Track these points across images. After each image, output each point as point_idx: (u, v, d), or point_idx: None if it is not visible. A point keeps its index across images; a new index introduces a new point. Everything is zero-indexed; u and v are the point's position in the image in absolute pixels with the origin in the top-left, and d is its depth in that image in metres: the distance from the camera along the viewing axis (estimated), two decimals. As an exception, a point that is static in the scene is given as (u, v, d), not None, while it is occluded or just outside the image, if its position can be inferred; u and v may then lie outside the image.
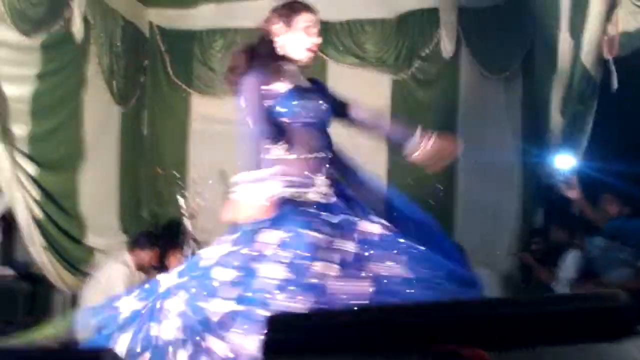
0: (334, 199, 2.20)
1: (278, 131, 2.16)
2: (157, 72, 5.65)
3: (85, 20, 4.54)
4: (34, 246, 4.14)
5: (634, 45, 3.55)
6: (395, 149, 5.35)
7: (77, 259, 4.51)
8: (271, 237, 2.02)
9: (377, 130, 2.50)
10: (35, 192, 4.10)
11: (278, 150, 2.16)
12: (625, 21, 3.62)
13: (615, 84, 3.66)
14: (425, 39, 5.35)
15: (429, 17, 5.33)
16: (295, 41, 2.28)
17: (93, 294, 4.04)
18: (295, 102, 2.20)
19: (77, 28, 4.44)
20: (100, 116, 4.75)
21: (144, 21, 5.53)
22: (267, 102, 2.16)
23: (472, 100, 5.35)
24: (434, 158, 2.36)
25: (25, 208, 4.00)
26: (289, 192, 2.10)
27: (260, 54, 2.27)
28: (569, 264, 3.97)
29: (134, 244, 4.37)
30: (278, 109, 2.17)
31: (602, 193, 3.89)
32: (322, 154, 2.23)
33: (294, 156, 2.16)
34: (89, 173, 4.67)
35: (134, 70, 5.18)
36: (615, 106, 3.93)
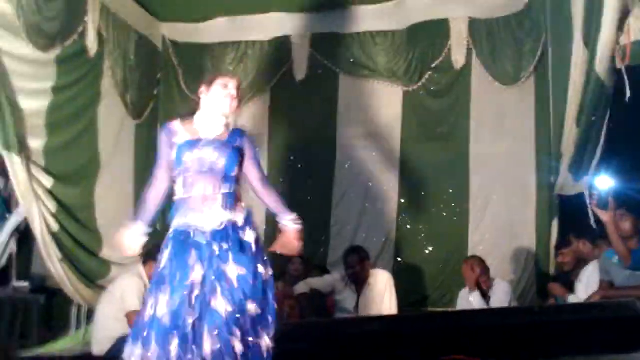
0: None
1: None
2: (170, 84, 5.69)
3: (100, 35, 4.58)
4: (50, 259, 4.12)
5: (645, 53, 3.53)
6: (406, 169, 5.41)
7: (93, 272, 4.50)
8: None
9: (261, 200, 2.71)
10: (51, 205, 4.09)
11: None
12: (636, 30, 3.60)
13: (628, 92, 3.64)
14: (435, 50, 5.36)
15: (440, 28, 5.34)
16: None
17: (108, 306, 4.01)
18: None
19: (92, 42, 4.48)
20: (115, 128, 4.77)
21: (157, 35, 5.57)
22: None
23: (484, 111, 5.33)
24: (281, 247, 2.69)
25: (41, 221, 3.98)
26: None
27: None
28: (589, 274, 3.88)
29: (147, 257, 4.33)
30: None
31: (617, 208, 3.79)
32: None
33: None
34: (104, 185, 4.68)
35: (147, 83, 5.20)
36: (629, 114, 3.90)
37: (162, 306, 2.30)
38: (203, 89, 2.57)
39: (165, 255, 2.41)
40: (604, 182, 3.93)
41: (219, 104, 2.52)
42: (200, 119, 2.54)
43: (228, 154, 2.50)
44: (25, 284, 4.43)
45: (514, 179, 5.21)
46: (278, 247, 2.69)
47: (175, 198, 2.50)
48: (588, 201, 4.10)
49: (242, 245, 2.44)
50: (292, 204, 5.56)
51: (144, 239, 2.53)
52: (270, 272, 2.48)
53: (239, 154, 2.55)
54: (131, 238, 2.49)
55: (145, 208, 2.53)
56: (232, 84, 2.56)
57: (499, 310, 3.70)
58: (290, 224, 2.66)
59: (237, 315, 2.30)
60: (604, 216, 3.62)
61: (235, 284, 2.36)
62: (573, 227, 4.42)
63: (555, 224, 4.90)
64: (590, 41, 3.67)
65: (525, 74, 5.11)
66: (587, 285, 3.89)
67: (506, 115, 5.28)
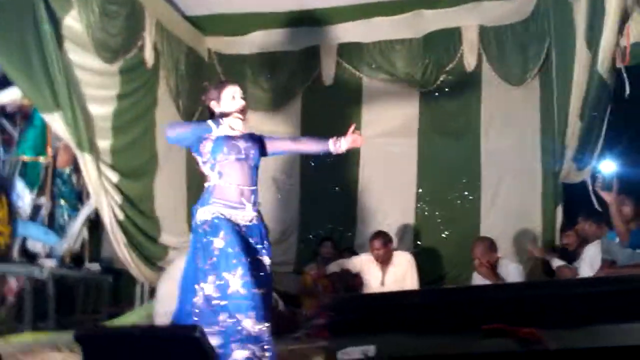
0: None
1: None
2: (215, 91, 5.77)
3: (155, 48, 4.63)
4: (117, 244, 4.18)
5: (643, 54, 3.51)
6: (423, 162, 5.42)
7: (154, 255, 4.55)
8: None
9: (304, 149, 2.92)
10: (118, 197, 4.15)
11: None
12: (635, 33, 3.58)
13: (628, 89, 3.62)
14: (449, 55, 5.35)
15: (453, 35, 5.33)
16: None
17: (167, 285, 4.09)
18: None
19: (149, 55, 4.53)
20: None
21: (204, 48, 5.62)
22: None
23: (494, 109, 5.32)
24: (350, 146, 2.81)
25: (109, 211, 4.05)
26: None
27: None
28: (593, 254, 3.86)
29: None
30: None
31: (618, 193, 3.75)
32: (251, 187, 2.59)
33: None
34: (161, 180, 4.72)
35: (195, 90, 5.23)
36: (628, 109, 3.88)
37: (236, 281, 2.37)
38: (214, 103, 2.63)
39: (220, 237, 2.44)
40: (607, 166, 3.91)
41: (233, 110, 2.60)
42: (224, 122, 2.58)
43: (257, 146, 2.64)
44: (96, 266, 4.54)
45: (521, 169, 5.19)
46: (352, 144, 2.78)
47: (209, 184, 2.56)
48: (591, 185, 4.08)
49: (264, 240, 2.58)
50: (322, 195, 5.73)
51: None
52: None
53: (262, 145, 2.69)
54: None
55: None
56: (238, 94, 2.63)
57: (531, 283, 3.63)
58: (337, 139, 2.77)
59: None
60: (608, 197, 3.59)
61: (268, 270, 2.54)
62: (577, 212, 4.38)
63: (559, 210, 4.87)
64: (592, 44, 3.65)
65: (531, 75, 5.08)
66: (590, 265, 3.87)
67: (514, 113, 5.26)
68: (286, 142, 2.89)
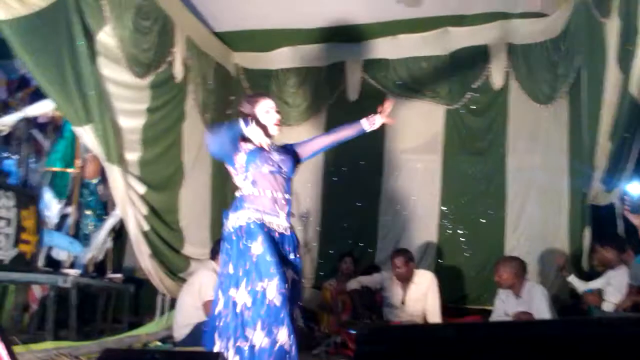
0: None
1: None
2: (241, 105, 5.80)
3: (185, 63, 4.67)
4: (141, 254, 4.19)
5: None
6: (447, 179, 5.32)
7: (176, 266, 4.54)
8: None
9: (339, 138, 2.81)
10: (143, 208, 4.16)
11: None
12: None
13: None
14: (476, 73, 5.28)
15: (480, 53, 5.25)
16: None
17: (188, 297, 4.08)
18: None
19: (178, 70, 4.57)
20: (196, 143, 4.81)
21: (231, 63, 5.66)
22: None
23: (520, 127, 5.20)
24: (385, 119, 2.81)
25: (134, 222, 4.06)
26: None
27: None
28: (620, 279, 3.72)
29: (215, 252, 4.38)
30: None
31: None
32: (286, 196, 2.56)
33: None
34: (187, 192, 4.73)
35: (222, 104, 5.29)
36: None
37: (271, 290, 2.32)
38: (248, 111, 2.60)
39: (258, 242, 2.38)
40: (637, 189, 3.79)
41: (268, 124, 2.59)
42: (258, 134, 2.56)
43: (290, 158, 2.63)
44: (118, 276, 4.57)
45: (547, 189, 5.05)
46: (387, 120, 2.79)
47: (242, 193, 2.52)
48: (620, 207, 3.95)
49: (296, 251, 2.55)
50: (343, 210, 5.66)
51: None
52: None
53: (295, 155, 2.67)
54: None
55: None
56: (273, 108, 2.62)
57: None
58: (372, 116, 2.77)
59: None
60: (636, 220, 3.49)
61: (298, 283, 2.51)
62: (605, 234, 4.25)
63: (588, 231, 4.71)
64: (624, 64, 3.55)
65: (560, 94, 4.95)
66: (618, 290, 3.75)
67: (541, 131, 5.13)
68: (319, 140, 2.83)
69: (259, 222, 2.43)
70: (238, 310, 2.32)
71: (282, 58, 5.66)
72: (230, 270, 2.39)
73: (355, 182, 5.59)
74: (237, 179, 2.58)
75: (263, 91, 5.60)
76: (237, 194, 2.56)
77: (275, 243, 2.44)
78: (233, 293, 2.35)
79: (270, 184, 2.50)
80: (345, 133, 2.77)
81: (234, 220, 2.47)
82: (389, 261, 4.73)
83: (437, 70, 5.38)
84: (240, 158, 2.53)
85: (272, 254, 2.38)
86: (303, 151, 2.75)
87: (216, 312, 2.39)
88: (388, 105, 2.80)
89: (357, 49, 5.56)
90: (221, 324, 2.34)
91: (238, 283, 2.35)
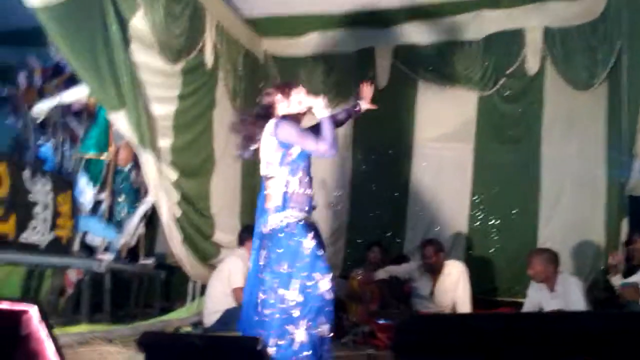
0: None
1: None
2: (270, 92, 5.76)
3: (215, 50, 4.63)
4: (173, 241, 4.19)
5: None
6: (479, 168, 5.20)
7: (206, 253, 4.55)
8: None
9: (339, 121, 2.92)
10: (176, 195, 4.17)
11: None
12: None
13: None
14: (510, 58, 5.10)
15: (515, 37, 5.07)
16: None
17: (218, 283, 4.09)
18: None
19: (209, 56, 4.54)
20: (226, 130, 4.68)
21: (260, 50, 5.60)
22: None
23: (556, 114, 5.02)
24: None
25: (167, 208, 4.07)
26: None
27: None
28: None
29: (243, 237, 4.34)
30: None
31: None
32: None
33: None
34: (218, 179, 4.72)
35: (252, 91, 5.25)
36: None
37: (324, 284, 2.37)
38: (282, 105, 2.56)
39: (309, 238, 2.41)
40: None
41: (300, 115, 2.58)
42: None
43: None
44: (150, 261, 4.59)
45: (584, 178, 4.88)
46: (369, 106, 2.99)
47: (290, 191, 2.47)
48: None
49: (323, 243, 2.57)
50: (372, 199, 5.59)
51: None
52: None
53: None
54: None
55: None
56: (305, 98, 2.56)
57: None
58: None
59: None
60: None
61: None
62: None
63: (625, 223, 4.55)
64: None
65: (599, 80, 4.75)
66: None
67: (577, 118, 4.95)
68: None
69: (305, 220, 2.47)
70: (285, 305, 2.34)
71: (310, 44, 5.57)
72: (282, 268, 2.38)
73: (384, 171, 5.51)
74: (281, 171, 2.46)
75: (293, 80, 5.57)
76: (280, 190, 2.46)
77: (321, 239, 2.51)
78: (283, 292, 2.35)
79: (308, 180, 2.52)
80: (339, 120, 2.91)
81: (279, 219, 2.43)
82: (417, 251, 4.67)
83: (469, 55, 5.23)
84: (295, 151, 2.48)
85: (322, 249, 2.44)
86: None
87: (260, 308, 2.39)
88: (367, 90, 2.83)
89: (387, 34, 5.44)
90: (266, 318, 2.35)
91: (290, 279, 2.35)
